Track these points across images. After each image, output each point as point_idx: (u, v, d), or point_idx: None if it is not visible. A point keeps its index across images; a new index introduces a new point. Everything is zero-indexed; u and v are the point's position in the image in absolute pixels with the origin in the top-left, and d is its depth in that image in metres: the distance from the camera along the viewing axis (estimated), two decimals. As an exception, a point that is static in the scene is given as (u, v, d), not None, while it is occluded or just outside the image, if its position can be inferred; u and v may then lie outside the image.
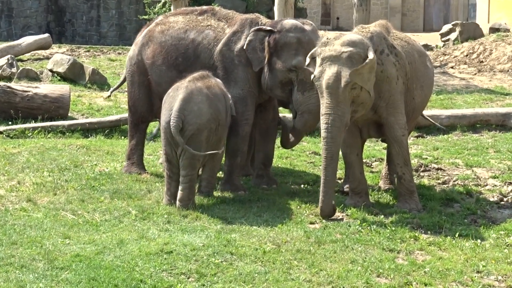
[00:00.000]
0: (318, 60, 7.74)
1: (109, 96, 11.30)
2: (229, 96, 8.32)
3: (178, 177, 7.93)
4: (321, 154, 7.82)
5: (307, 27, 8.66)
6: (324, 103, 7.64)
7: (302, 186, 9.01)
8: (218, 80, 8.38)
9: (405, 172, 8.09)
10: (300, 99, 8.43)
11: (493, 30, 22.41)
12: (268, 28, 8.64)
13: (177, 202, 7.84)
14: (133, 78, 9.40)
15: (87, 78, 15.60)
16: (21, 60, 18.43)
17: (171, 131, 7.75)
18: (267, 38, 8.58)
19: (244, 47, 8.59)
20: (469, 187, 8.98)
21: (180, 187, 7.87)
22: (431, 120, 10.63)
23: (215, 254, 6.54)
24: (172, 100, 7.92)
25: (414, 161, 9.81)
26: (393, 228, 7.35)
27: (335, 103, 7.57)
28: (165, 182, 8.14)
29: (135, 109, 9.40)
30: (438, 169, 9.88)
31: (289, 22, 8.74)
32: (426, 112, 12.33)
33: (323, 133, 7.68)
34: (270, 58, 8.57)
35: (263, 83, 8.66)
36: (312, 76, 7.79)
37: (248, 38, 8.61)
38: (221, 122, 8.01)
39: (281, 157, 10.22)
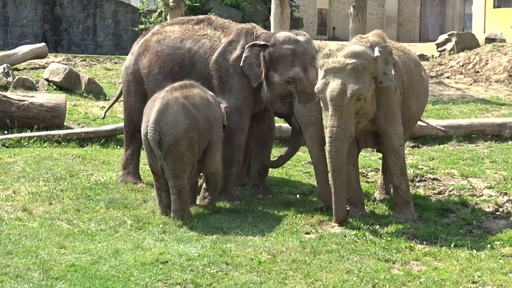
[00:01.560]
0: (321, 72, 7.72)
1: (103, 118, 11.42)
2: (219, 105, 8.27)
3: (167, 188, 7.90)
4: (328, 167, 7.79)
5: (300, 38, 8.65)
6: (328, 115, 7.62)
7: (297, 196, 9.00)
8: (205, 89, 8.28)
9: (402, 182, 8.09)
10: (302, 111, 8.40)
11: (489, 40, 22.46)
12: (262, 42, 8.63)
13: (171, 213, 7.83)
14: (129, 87, 9.40)
15: (83, 88, 15.60)
16: (17, 69, 18.44)
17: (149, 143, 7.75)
18: (262, 52, 8.58)
19: (241, 64, 8.58)
20: (465, 197, 8.98)
21: (171, 198, 7.86)
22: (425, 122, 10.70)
23: (211, 264, 6.53)
24: (150, 112, 7.88)
25: (409, 171, 9.81)
26: (389, 239, 7.35)
27: (339, 115, 7.55)
28: (156, 194, 8.13)
29: (131, 119, 9.40)
30: (433, 179, 9.89)
31: (283, 34, 8.72)
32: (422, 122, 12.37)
33: (327, 146, 7.66)
34: (267, 72, 8.55)
35: (263, 98, 8.65)
36: (315, 88, 7.78)
37: (244, 55, 8.59)
38: (202, 132, 7.91)
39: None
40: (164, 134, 7.68)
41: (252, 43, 8.65)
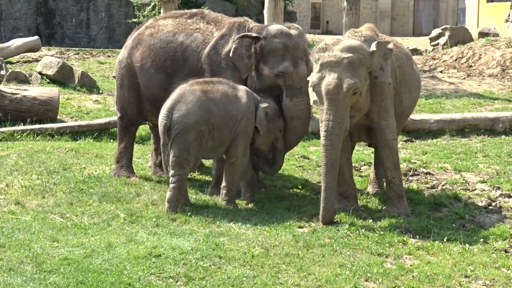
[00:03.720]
0: (317, 66, 7.68)
1: None
2: (255, 102, 8.20)
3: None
4: (322, 161, 7.75)
5: (293, 32, 8.62)
6: (324, 109, 7.58)
7: (290, 190, 9.00)
8: (236, 87, 8.21)
9: (395, 176, 8.08)
10: (288, 105, 8.40)
11: (482, 34, 22.49)
12: (254, 34, 8.61)
13: (165, 203, 7.84)
14: (122, 81, 9.39)
15: (76, 81, 15.58)
16: (10, 63, 18.40)
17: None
18: (253, 44, 8.56)
19: (230, 55, 8.55)
20: (458, 191, 9.00)
21: (169, 187, 7.89)
22: None
23: (204, 257, 6.53)
24: (168, 101, 7.99)
25: (403, 166, 9.82)
26: (382, 233, 7.35)
27: (335, 110, 7.52)
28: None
29: (124, 112, 9.39)
30: (426, 173, 9.90)
31: (275, 27, 8.69)
32: (415, 116, 12.39)
33: (322, 140, 7.62)
34: (257, 65, 8.54)
35: (250, 88, 8.64)
36: (310, 83, 7.76)
37: (233, 46, 8.56)
38: (217, 126, 7.93)
39: (270, 161, 10.20)
40: (174, 121, 7.82)
41: (243, 34, 8.62)
